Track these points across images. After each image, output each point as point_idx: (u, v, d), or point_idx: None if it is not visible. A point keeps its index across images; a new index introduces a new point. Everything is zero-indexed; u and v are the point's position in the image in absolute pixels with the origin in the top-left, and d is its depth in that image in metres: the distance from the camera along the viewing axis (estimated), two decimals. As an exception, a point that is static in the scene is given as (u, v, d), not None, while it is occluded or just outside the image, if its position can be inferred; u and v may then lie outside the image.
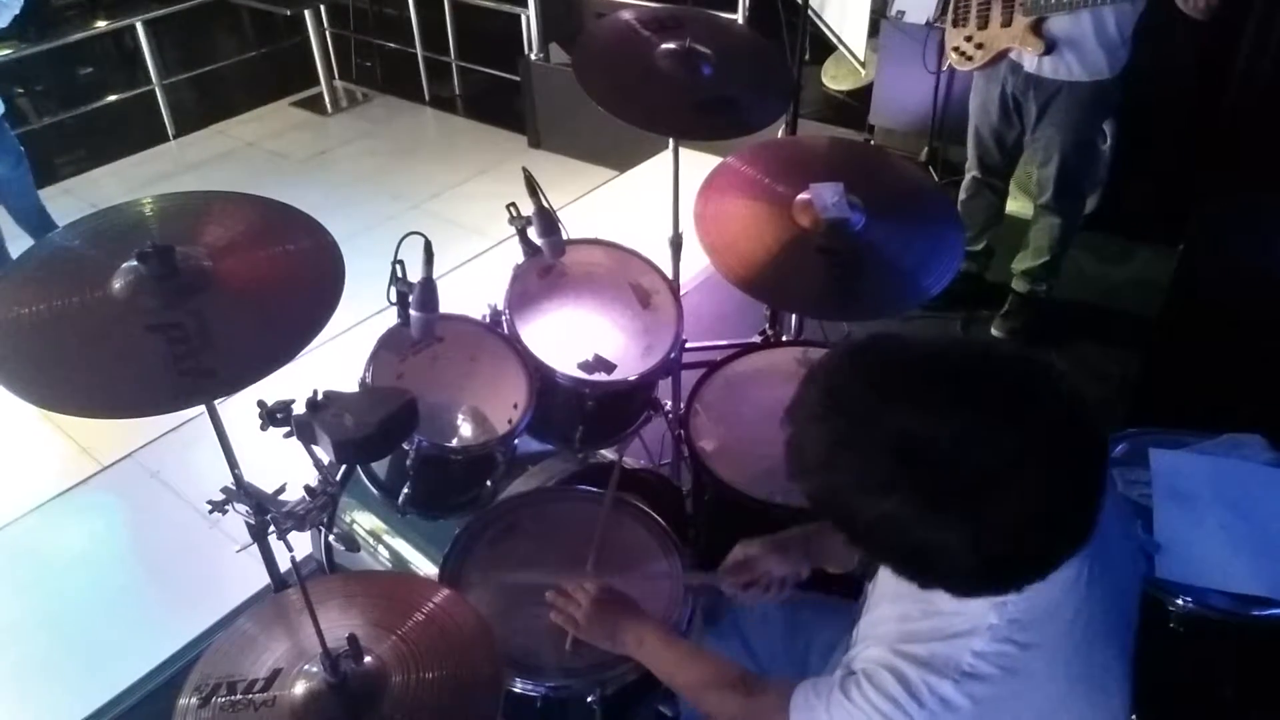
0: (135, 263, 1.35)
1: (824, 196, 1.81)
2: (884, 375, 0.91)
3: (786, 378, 1.99)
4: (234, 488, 1.61)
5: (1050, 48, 2.56)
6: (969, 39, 2.75)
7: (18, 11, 3.12)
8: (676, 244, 2.33)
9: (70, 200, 3.74)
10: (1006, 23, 2.63)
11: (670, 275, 2.18)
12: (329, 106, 5.85)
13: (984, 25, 2.69)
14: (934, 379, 0.89)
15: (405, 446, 1.57)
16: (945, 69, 3.41)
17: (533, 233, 1.68)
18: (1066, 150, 2.74)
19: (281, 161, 5.30)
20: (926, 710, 0.94)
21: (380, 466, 1.70)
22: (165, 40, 5.88)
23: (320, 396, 1.20)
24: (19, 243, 3.27)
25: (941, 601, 0.99)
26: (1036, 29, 2.56)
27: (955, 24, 2.80)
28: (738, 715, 1.21)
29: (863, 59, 4.01)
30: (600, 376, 1.82)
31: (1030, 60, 2.63)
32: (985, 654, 0.94)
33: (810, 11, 2.93)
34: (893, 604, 1.08)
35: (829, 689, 1.03)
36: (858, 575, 1.37)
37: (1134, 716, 1.57)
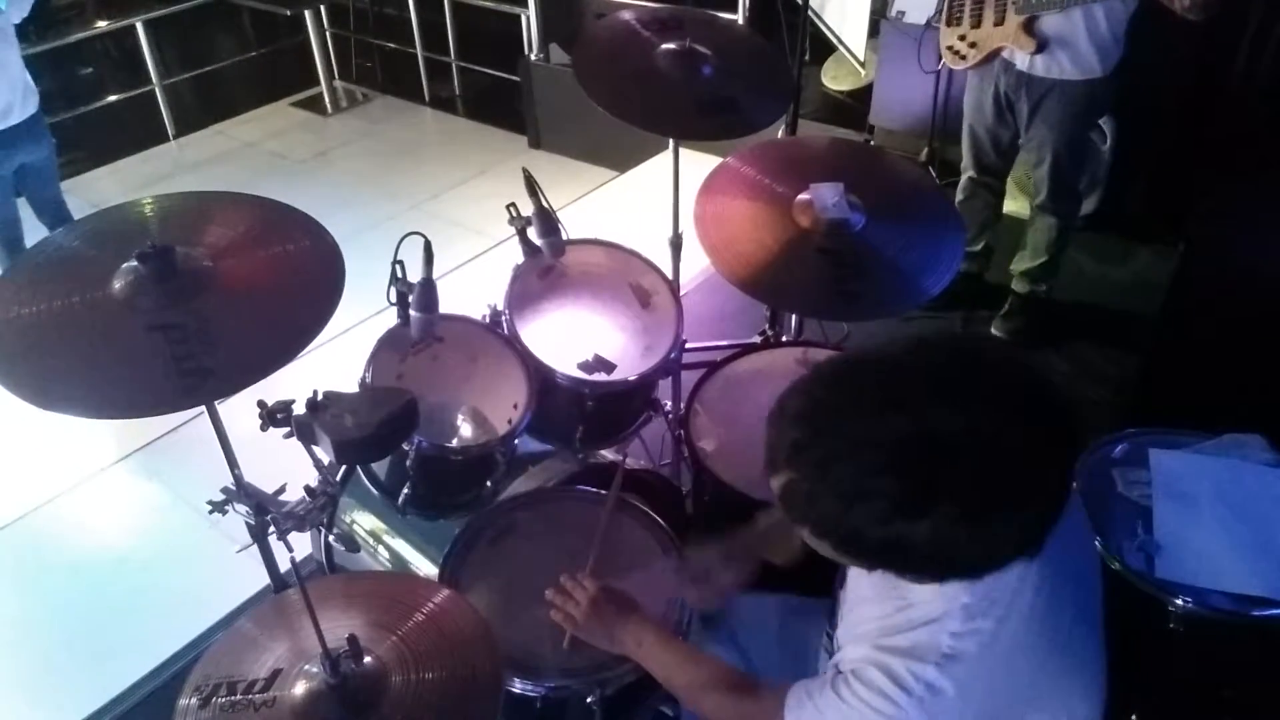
0: (135, 263, 1.35)
1: (824, 197, 1.81)
2: (871, 384, 0.90)
3: (786, 378, 1.96)
4: (234, 488, 1.61)
5: (1042, 46, 2.57)
6: (962, 38, 2.76)
7: (28, 13, 3.13)
8: (676, 244, 2.33)
9: (70, 200, 3.75)
10: (999, 21, 2.63)
11: (670, 275, 2.18)
12: (329, 107, 5.86)
13: (977, 24, 2.70)
14: (927, 378, 0.88)
15: (405, 447, 1.57)
16: (940, 68, 3.41)
17: (533, 233, 1.68)
18: (1059, 149, 2.74)
19: (281, 162, 5.30)
20: (914, 698, 0.95)
21: (380, 467, 1.70)
22: (165, 40, 5.88)
23: (320, 397, 1.20)
24: (34, 235, 3.28)
25: (914, 593, 1.01)
26: (1029, 27, 2.56)
27: (949, 23, 2.81)
28: (734, 717, 1.22)
29: (863, 59, 4.01)
30: (600, 377, 1.82)
31: (1023, 59, 2.64)
32: (962, 634, 0.96)
33: (810, 12, 2.93)
34: (870, 605, 1.09)
35: (820, 689, 1.05)
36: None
37: (1134, 717, 1.58)
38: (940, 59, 2.96)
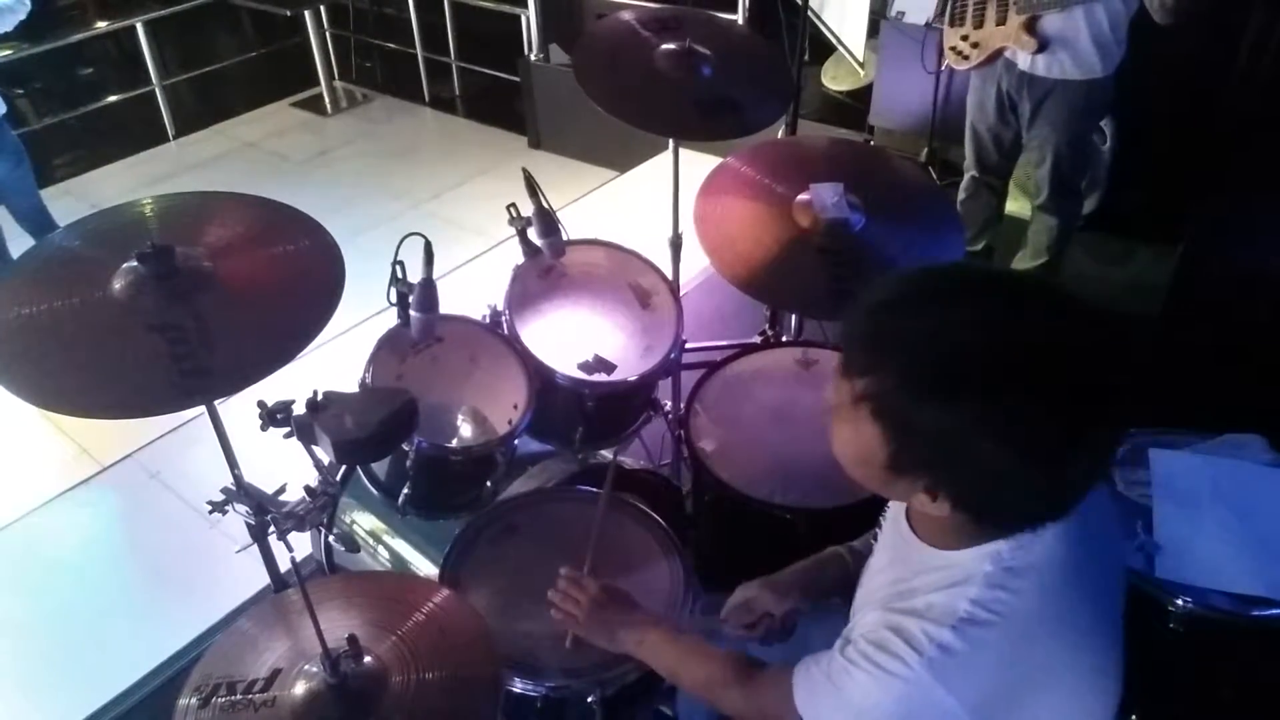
0: (135, 263, 1.35)
1: (824, 197, 1.81)
2: (979, 278, 0.92)
3: (786, 378, 2.00)
4: (234, 488, 1.61)
5: (1043, 46, 2.58)
6: (965, 38, 2.77)
7: (24, 16, 3.12)
8: (676, 244, 2.33)
9: (70, 200, 3.74)
10: (1001, 21, 2.64)
11: (670, 275, 2.18)
12: (329, 107, 5.86)
13: (979, 24, 2.71)
14: (1031, 291, 0.90)
15: (405, 447, 1.57)
16: (944, 69, 3.42)
17: (533, 233, 1.68)
18: (1061, 149, 2.75)
19: (281, 162, 5.30)
20: (925, 658, 0.93)
21: (380, 467, 1.70)
22: (165, 40, 5.88)
23: (320, 397, 1.20)
24: (20, 243, 3.27)
25: (933, 557, 1.01)
26: (1030, 27, 2.57)
27: (952, 24, 2.81)
28: (743, 704, 1.21)
29: (862, 59, 4.01)
30: (600, 377, 1.82)
31: (1024, 58, 2.65)
32: (981, 600, 0.94)
33: (810, 12, 2.93)
34: (884, 572, 1.09)
35: (829, 658, 1.03)
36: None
37: (1133, 717, 1.58)
38: (943, 60, 2.97)
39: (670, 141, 2.22)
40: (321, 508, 1.73)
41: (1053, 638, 0.97)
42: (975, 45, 2.75)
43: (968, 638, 0.93)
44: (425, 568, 1.78)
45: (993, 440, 0.85)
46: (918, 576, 1.01)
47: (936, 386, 0.86)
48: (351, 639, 1.22)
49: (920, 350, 0.88)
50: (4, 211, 3.38)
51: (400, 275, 1.47)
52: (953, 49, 2.82)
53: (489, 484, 1.72)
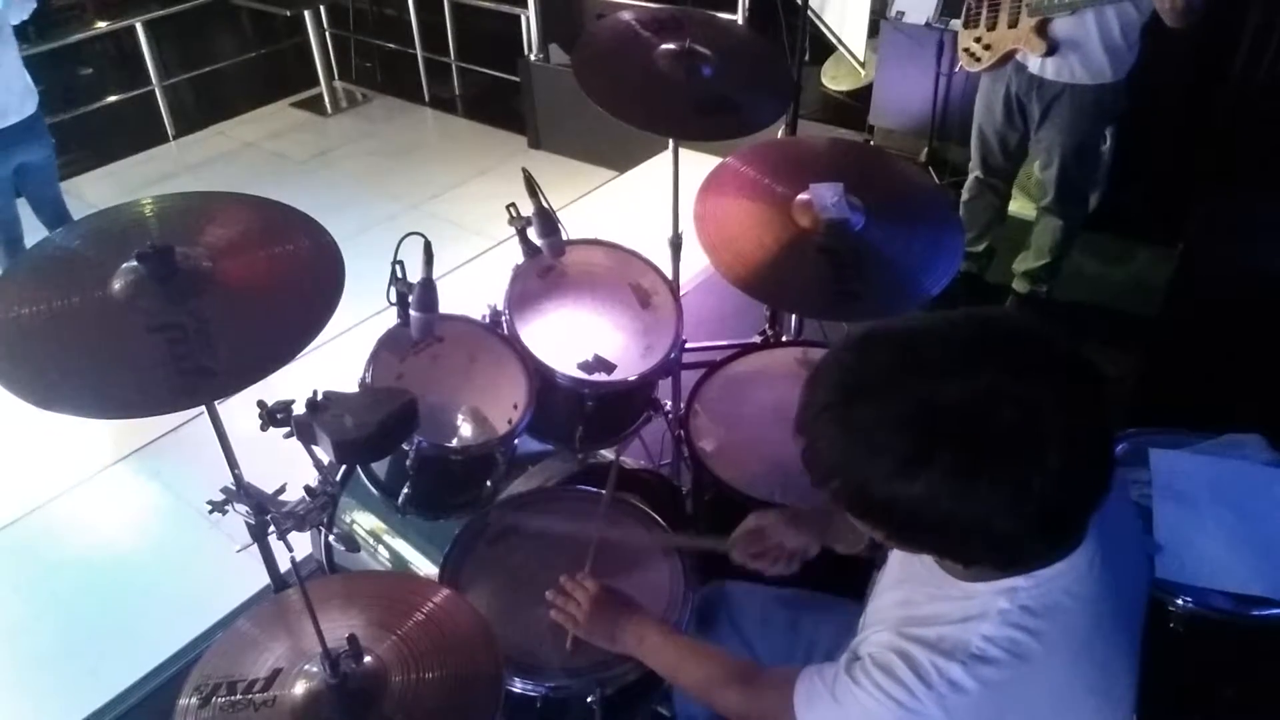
0: (135, 263, 1.35)
1: (824, 197, 1.81)
2: (891, 354, 0.91)
3: (786, 378, 2.00)
4: (234, 488, 1.61)
5: (1053, 49, 2.57)
6: (978, 40, 2.77)
7: (27, 15, 3.13)
8: (676, 244, 2.33)
9: (70, 200, 3.75)
10: (1013, 23, 2.64)
11: (670, 275, 2.18)
12: (329, 107, 5.86)
13: (992, 26, 2.71)
14: (943, 347, 0.89)
15: (405, 447, 1.57)
16: (958, 70, 3.41)
17: (533, 233, 1.68)
18: (1068, 153, 2.74)
19: (281, 162, 5.30)
20: (935, 693, 0.93)
21: (380, 466, 1.70)
22: (165, 40, 5.88)
23: (320, 397, 1.20)
24: (34, 237, 3.27)
25: (950, 586, 0.99)
26: (1041, 30, 2.57)
27: (967, 25, 2.81)
28: (743, 707, 1.21)
29: (862, 59, 4.01)
30: (600, 377, 1.82)
31: (1034, 61, 2.64)
32: (994, 638, 0.93)
33: (810, 12, 2.93)
34: (898, 589, 1.08)
35: (834, 674, 1.03)
36: (865, 559, 1.37)
37: (1134, 717, 1.58)
38: (957, 62, 2.97)
39: (670, 141, 2.22)
40: (321, 508, 1.73)
41: (1068, 678, 0.96)
42: (987, 47, 2.75)
43: (977, 675, 0.92)
44: (425, 568, 1.78)
45: (953, 502, 0.85)
46: (932, 603, 1.00)
47: (893, 473, 0.87)
48: (351, 639, 1.22)
49: (861, 453, 0.88)
50: (24, 205, 3.39)
51: (400, 275, 1.47)
52: (966, 50, 2.83)
53: (489, 484, 1.72)
